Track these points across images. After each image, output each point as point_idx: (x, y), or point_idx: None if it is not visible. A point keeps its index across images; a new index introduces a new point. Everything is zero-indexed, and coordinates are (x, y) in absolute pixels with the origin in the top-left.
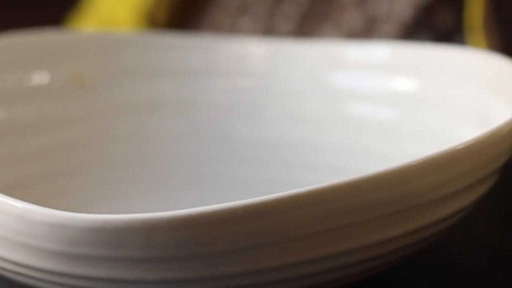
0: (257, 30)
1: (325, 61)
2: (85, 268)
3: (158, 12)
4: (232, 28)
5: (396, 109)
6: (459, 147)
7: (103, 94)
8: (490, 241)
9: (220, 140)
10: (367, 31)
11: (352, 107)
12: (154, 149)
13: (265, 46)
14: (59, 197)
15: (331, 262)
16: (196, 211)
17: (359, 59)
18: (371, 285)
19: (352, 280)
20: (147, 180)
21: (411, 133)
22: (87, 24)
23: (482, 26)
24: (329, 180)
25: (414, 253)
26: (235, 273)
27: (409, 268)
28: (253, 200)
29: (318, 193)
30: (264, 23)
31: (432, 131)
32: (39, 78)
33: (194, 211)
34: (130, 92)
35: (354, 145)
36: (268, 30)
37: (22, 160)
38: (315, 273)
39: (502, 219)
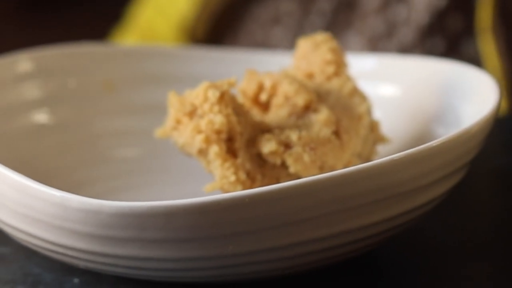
0: (287, 39)
1: None
2: (114, 247)
3: (198, 25)
4: (266, 38)
5: (380, 111)
6: (434, 144)
7: (128, 98)
8: (462, 226)
9: None
10: (387, 34)
11: None
12: (166, 145)
13: (284, 59)
14: (89, 185)
15: (324, 243)
16: (209, 199)
17: (351, 68)
18: (360, 262)
19: (343, 258)
20: (160, 171)
21: (393, 131)
22: (130, 37)
23: (491, 29)
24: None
25: (396, 235)
26: (242, 252)
27: (393, 248)
28: (257, 190)
29: (311, 184)
30: (294, 32)
31: (411, 131)
32: (76, 83)
33: (207, 199)
34: (150, 96)
35: None
36: (297, 38)
37: (61, 151)
38: (310, 252)
39: (471, 207)
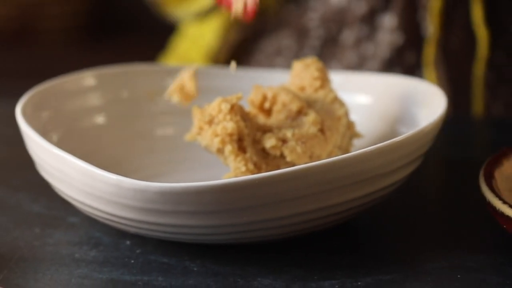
0: (287, 67)
1: None
2: (156, 217)
3: (220, 55)
4: (270, 66)
5: (356, 114)
6: (397, 140)
7: (165, 104)
8: (422, 203)
9: None
10: (359, 65)
11: None
12: (194, 143)
13: (282, 76)
14: (138, 170)
15: (316, 214)
16: (229, 181)
17: (335, 81)
18: (342, 230)
19: (330, 225)
20: (191, 161)
21: (366, 131)
22: (171, 60)
23: (433, 62)
24: None
25: (370, 209)
26: (253, 221)
27: (369, 219)
28: (263, 174)
29: (303, 170)
30: (291, 62)
31: (380, 130)
32: (127, 93)
33: (227, 181)
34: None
35: None
36: None
37: (115, 145)
38: (306, 220)
39: (426, 189)
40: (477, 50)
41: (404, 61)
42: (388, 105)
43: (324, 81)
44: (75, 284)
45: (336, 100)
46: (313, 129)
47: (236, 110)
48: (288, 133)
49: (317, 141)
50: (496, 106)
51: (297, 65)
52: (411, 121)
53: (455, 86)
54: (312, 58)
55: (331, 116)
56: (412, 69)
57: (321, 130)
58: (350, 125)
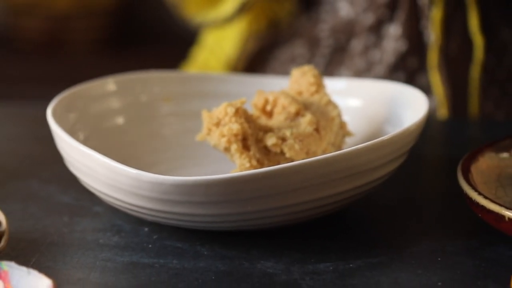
0: None
1: None
2: (171, 207)
3: (238, 63)
4: (284, 73)
5: (348, 116)
6: (385, 138)
7: (179, 106)
8: (409, 195)
9: None
10: (367, 70)
11: None
12: (204, 141)
13: (282, 82)
14: (155, 165)
15: (312, 204)
16: (235, 175)
17: (329, 86)
18: (336, 218)
19: (325, 214)
20: (202, 157)
21: (357, 131)
22: (192, 69)
23: (437, 66)
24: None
25: (360, 200)
26: (256, 210)
27: (359, 209)
28: (265, 169)
29: (301, 165)
30: None
31: (369, 130)
32: (145, 97)
33: (233, 175)
34: (195, 106)
35: None
36: None
37: (135, 142)
38: (303, 210)
39: (412, 183)
40: (473, 55)
41: (407, 66)
42: (376, 108)
43: (319, 86)
44: (99, 266)
45: (330, 103)
46: (309, 129)
47: (240, 113)
48: (287, 132)
49: (313, 139)
50: (486, 105)
51: (295, 72)
52: (397, 121)
53: (454, 88)
54: (308, 66)
55: (325, 117)
56: (415, 73)
57: (317, 130)
58: (342, 125)
